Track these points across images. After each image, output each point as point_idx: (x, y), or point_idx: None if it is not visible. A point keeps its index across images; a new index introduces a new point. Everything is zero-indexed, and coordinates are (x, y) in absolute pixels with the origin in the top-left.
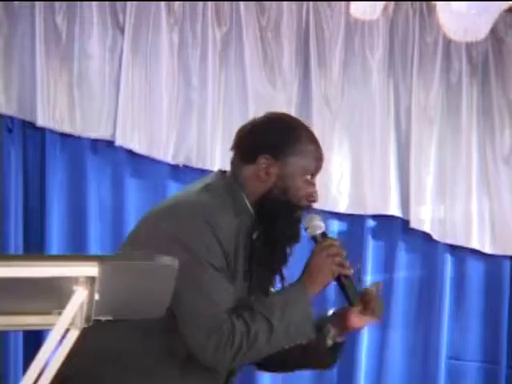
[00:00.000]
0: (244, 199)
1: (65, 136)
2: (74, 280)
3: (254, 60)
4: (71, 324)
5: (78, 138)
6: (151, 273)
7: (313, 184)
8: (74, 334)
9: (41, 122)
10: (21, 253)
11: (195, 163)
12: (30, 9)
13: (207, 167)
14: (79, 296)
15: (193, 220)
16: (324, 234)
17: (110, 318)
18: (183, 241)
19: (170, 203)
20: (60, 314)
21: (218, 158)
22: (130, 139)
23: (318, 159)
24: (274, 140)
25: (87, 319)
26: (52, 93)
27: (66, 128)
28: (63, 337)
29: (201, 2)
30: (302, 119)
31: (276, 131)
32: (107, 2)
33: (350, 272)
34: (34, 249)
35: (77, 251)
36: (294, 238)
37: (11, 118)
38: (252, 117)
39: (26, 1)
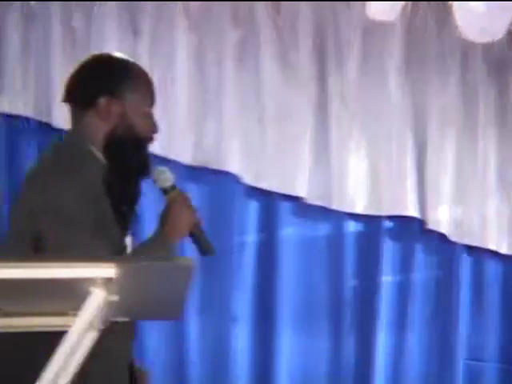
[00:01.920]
0: (88, 148)
1: None
2: (91, 281)
3: (270, 62)
4: (89, 325)
5: None
6: (167, 274)
7: (151, 115)
8: (91, 336)
9: (56, 123)
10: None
11: (212, 164)
12: (46, 11)
13: (224, 169)
14: (96, 297)
15: (51, 186)
16: (174, 187)
17: (126, 320)
18: (48, 209)
19: (28, 176)
20: (76, 315)
21: (236, 159)
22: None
23: (151, 90)
24: (109, 79)
25: (104, 321)
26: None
27: None
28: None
29: (217, 4)
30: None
31: (108, 71)
32: (124, 6)
33: (201, 224)
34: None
35: None
36: (144, 171)
37: (28, 120)
38: (269, 120)
39: (43, 0)
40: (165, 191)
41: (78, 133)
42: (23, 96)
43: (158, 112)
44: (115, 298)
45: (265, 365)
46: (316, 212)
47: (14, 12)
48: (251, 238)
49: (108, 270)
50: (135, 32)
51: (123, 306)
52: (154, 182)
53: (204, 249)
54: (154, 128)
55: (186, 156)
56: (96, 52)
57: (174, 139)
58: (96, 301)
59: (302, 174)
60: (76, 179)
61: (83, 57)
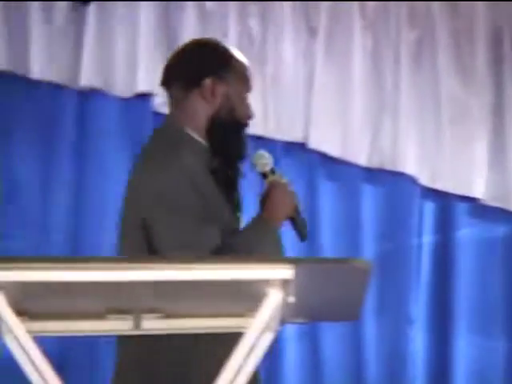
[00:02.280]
0: (187, 132)
1: (258, 139)
2: (268, 282)
3: (447, 63)
4: (266, 327)
5: (272, 141)
6: (344, 275)
7: (248, 102)
8: (268, 337)
9: None
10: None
11: (389, 166)
12: (223, 12)
13: (401, 170)
14: (274, 299)
15: (168, 174)
16: (273, 170)
17: (303, 321)
18: (163, 197)
19: (133, 164)
20: (253, 316)
21: (412, 160)
22: (323, 142)
23: (250, 76)
24: (214, 61)
25: (281, 322)
26: None
27: (260, 131)
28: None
29: (393, 4)
30: None
31: (212, 53)
32: (300, 5)
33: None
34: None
35: None
36: (242, 155)
37: None
38: (445, 121)
39: (219, 1)
40: (264, 175)
41: (179, 116)
42: None
43: (333, 112)
44: (292, 299)
45: (441, 366)
46: (493, 213)
47: (190, 12)
48: (427, 239)
49: (285, 271)
50: (311, 31)
51: (300, 308)
52: (253, 166)
53: (300, 232)
54: (250, 113)
55: (361, 157)
56: (272, 52)
57: (350, 140)
58: (273, 302)
59: (479, 175)
60: (174, 164)
61: (260, 56)
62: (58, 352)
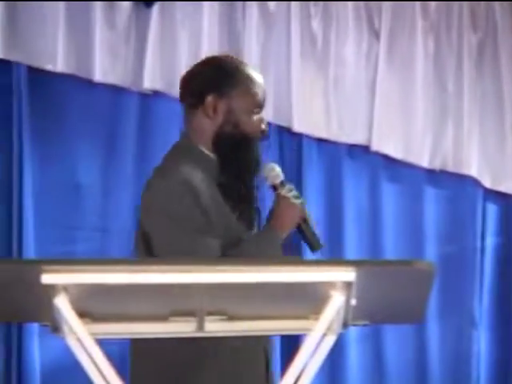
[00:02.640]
0: (197, 147)
1: (321, 141)
2: (330, 285)
3: (509, 65)
4: (328, 329)
5: (335, 143)
6: (407, 277)
7: (260, 115)
8: (330, 340)
9: (297, 127)
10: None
11: (451, 168)
12: (286, 14)
13: (463, 172)
14: (336, 301)
15: (167, 186)
16: (283, 183)
17: (366, 323)
18: (161, 208)
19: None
20: (316, 319)
21: (475, 162)
22: (386, 144)
23: (259, 91)
24: (215, 77)
25: (344, 324)
26: (308, 98)
27: (323, 133)
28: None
29: (456, 7)
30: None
31: (215, 70)
32: (362, 5)
33: (310, 217)
34: (291, 253)
35: (333, 255)
36: (253, 168)
37: (268, 124)
38: (509, 124)
39: (281, 1)
40: (274, 187)
41: (188, 132)
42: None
43: (396, 114)
44: (354, 301)
45: (505, 367)
46: None
47: (253, 13)
48: (490, 241)
49: (348, 274)
50: (373, 32)
51: (362, 310)
52: (265, 179)
53: (311, 244)
54: (259, 128)
55: (424, 159)
56: (335, 54)
57: (413, 142)
58: (336, 304)
59: None
60: (173, 178)
61: (322, 58)
62: (120, 354)
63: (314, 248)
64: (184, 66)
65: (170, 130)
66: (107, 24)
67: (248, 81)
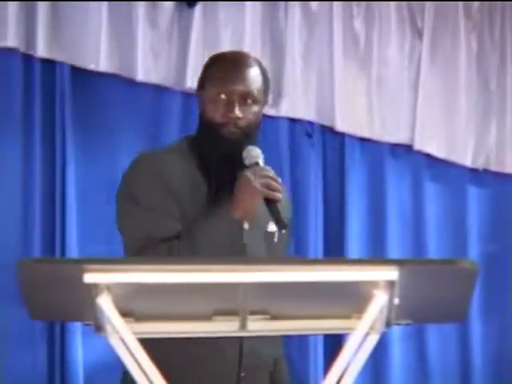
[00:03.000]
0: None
1: (364, 140)
2: (373, 284)
3: None
4: (371, 328)
5: (377, 143)
6: (450, 276)
7: (226, 103)
8: (373, 339)
9: (340, 127)
10: (321, 256)
11: (494, 167)
12: (328, 13)
13: (507, 171)
14: (379, 300)
15: (133, 166)
16: (257, 164)
17: (408, 322)
18: (124, 184)
19: None
20: (359, 318)
21: None
22: (429, 143)
23: (226, 78)
24: (202, 74)
25: (387, 324)
26: (351, 98)
27: (365, 133)
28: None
29: (499, 6)
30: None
31: (204, 67)
32: (405, 5)
33: (275, 195)
34: (334, 252)
35: (376, 254)
36: (225, 157)
37: (310, 123)
38: None
39: (324, 0)
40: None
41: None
42: (305, 99)
43: (439, 113)
44: (397, 300)
45: None
46: None
47: (295, 13)
48: None
49: (391, 273)
50: (416, 32)
51: (405, 309)
52: (244, 160)
53: (276, 222)
54: (228, 114)
55: (467, 159)
56: (377, 53)
57: (456, 141)
58: (379, 303)
59: None
60: (142, 161)
61: (364, 58)
62: None
63: (281, 225)
64: None
65: None
66: (150, 24)
67: (215, 69)
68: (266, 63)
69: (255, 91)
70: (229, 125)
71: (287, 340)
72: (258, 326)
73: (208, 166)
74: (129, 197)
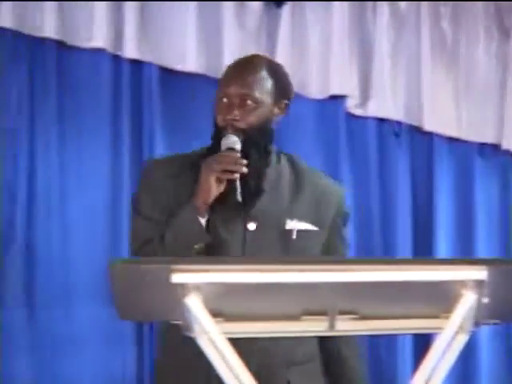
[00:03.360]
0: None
1: (452, 140)
2: (462, 284)
3: None
4: (460, 328)
5: (465, 142)
6: None
7: (227, 106)
8: (462, 339)
9: (428, 126)
10: (410, 255)
11: None
12: (416, 14)
13: None
14: (468, 300)
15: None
16: (230, 149)
17: (497, 322)
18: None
19: None
20: (448, 317)
21: None
22: None
23: (227, 81)
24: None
25: (475, 323)
26: (438, 97)
27: (453, 132)
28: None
29: None
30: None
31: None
32: (492, 5)
33: (229, 175)
34: (423, 252)
35: (464, 254)
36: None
37: (398, 123)
38: None
39: (412, 0)
40: None
41: None
42: (393, 99)
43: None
44: (486, 300)
45: None
46: None
47: (384, 13)
48: None
49: (480, 273)
50: (503, 32)
51: (493, 308)
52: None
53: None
54: (224, 115)
55: None
56: (465, 53)
57: None
58: (467, 303)
59: None
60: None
61: (452, 58)
62: None
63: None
64: (315, 65)
65: (303, 129)
66: (237, 24)
67: (226, 72)
68: (353, 63)
69: (256, 93)
70: (228, 127)
71: (375, 340)
72: (346, 326)
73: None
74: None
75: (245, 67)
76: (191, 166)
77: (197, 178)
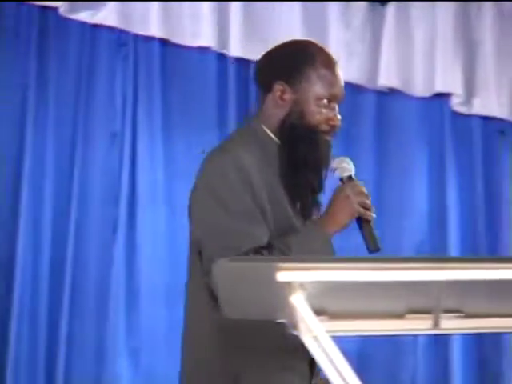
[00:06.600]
0: (264, 130)
1: None
2: None
3: None
4: None
5: None
6: None
7: (331, 108)
8: None
9: None
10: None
11: None
12: None
13: None
14: None
15: (217, 166)
16: (350, 177)
17: None
18: (210, 187)
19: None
20: None
21: None
22: None
23: (333, 84)
24: (287, 65)
25: None
26: None
27: None
28: None
29: None
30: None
31: (289, 56)
32: None
33: (370, 215)
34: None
35: None
36: (318, 162)
37: (503, 121)
38: None
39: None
40: (342, 181)
41: (258, 117)
42: (497, 97)
43: None
44: None
45: None
46: None
47: (488, 13)
48: None
49: None
50: None
51: None
52: (334, 170)
53: (367, 245)
54: (331, 122)
55: None
56: None
57: None
58: None
59: None
60: (226, 160)
61: None
62: (358, 352)
63: (370, 249)
64: (419, 64)
65: (408, 128)
66: (343, 23)
67: (321, 70)
68: (457, 61)
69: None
70: (326, 133)
71: (480, 339)
72: (451, 325)
73: (292, 170)
74: (217, 202)
75: (337, 67)
76: (267, 157)
77: (276, 170)
